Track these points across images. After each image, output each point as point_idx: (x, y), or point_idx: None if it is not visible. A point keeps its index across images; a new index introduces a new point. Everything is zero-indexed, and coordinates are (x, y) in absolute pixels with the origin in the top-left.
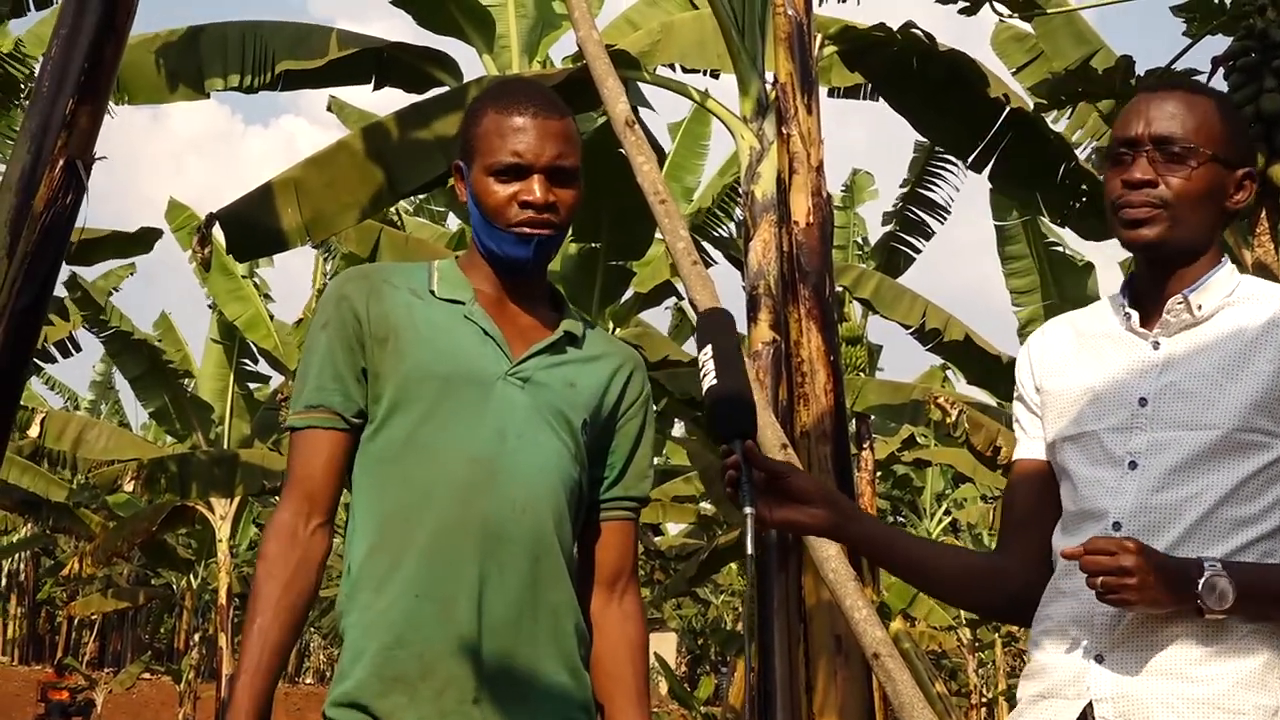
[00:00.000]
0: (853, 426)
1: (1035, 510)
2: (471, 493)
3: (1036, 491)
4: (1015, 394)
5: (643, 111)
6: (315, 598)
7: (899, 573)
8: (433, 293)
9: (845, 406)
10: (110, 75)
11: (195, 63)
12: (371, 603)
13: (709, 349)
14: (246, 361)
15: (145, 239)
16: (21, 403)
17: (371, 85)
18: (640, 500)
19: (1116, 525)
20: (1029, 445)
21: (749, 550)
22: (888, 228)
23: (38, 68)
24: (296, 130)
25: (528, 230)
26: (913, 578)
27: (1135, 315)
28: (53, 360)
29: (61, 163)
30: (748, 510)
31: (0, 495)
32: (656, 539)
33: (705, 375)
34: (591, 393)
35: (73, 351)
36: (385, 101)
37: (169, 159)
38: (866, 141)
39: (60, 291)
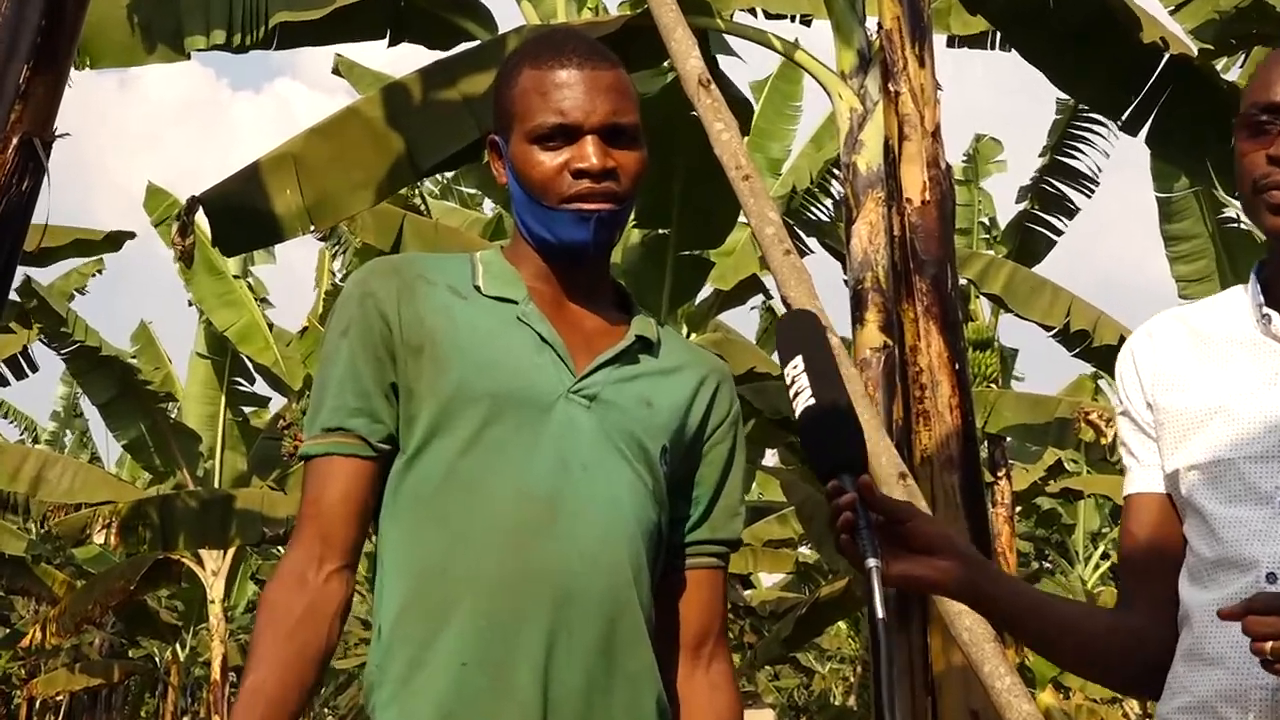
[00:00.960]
0: (985, 450)
1: (1162, 556)
2: (529, 537)
3: (1161, 533)
4: (1119, 410)
5: (721, 65)
6: (328, 654)
7: (1044, 646)
8: (478, 289)
9: (975, 426)
10: (72, 36)
11: (173, 17)
12: (408, 675)
13: (798, 361)
14: (240, 381)
15: (114, 241)
16: None
17: (386, 40)
18: (731, 543)
19: (1271, 576)
20: (1143, 475)
21: (878, 613)
22: (1022, 205)
23: None
24: (293, 96)
25: (585, 205)
26: (1060, 651)
27: (1277, 317)
28: (4, 382)
29: (15, 142)
30: (871, 563)
31: None
32: (746, 593)
33: (798, 395)
34: (671, 413)
35: (28, 371)
36: (403, 61)
37: (141, 134)
38: (992, 100)
39: (12, 297)
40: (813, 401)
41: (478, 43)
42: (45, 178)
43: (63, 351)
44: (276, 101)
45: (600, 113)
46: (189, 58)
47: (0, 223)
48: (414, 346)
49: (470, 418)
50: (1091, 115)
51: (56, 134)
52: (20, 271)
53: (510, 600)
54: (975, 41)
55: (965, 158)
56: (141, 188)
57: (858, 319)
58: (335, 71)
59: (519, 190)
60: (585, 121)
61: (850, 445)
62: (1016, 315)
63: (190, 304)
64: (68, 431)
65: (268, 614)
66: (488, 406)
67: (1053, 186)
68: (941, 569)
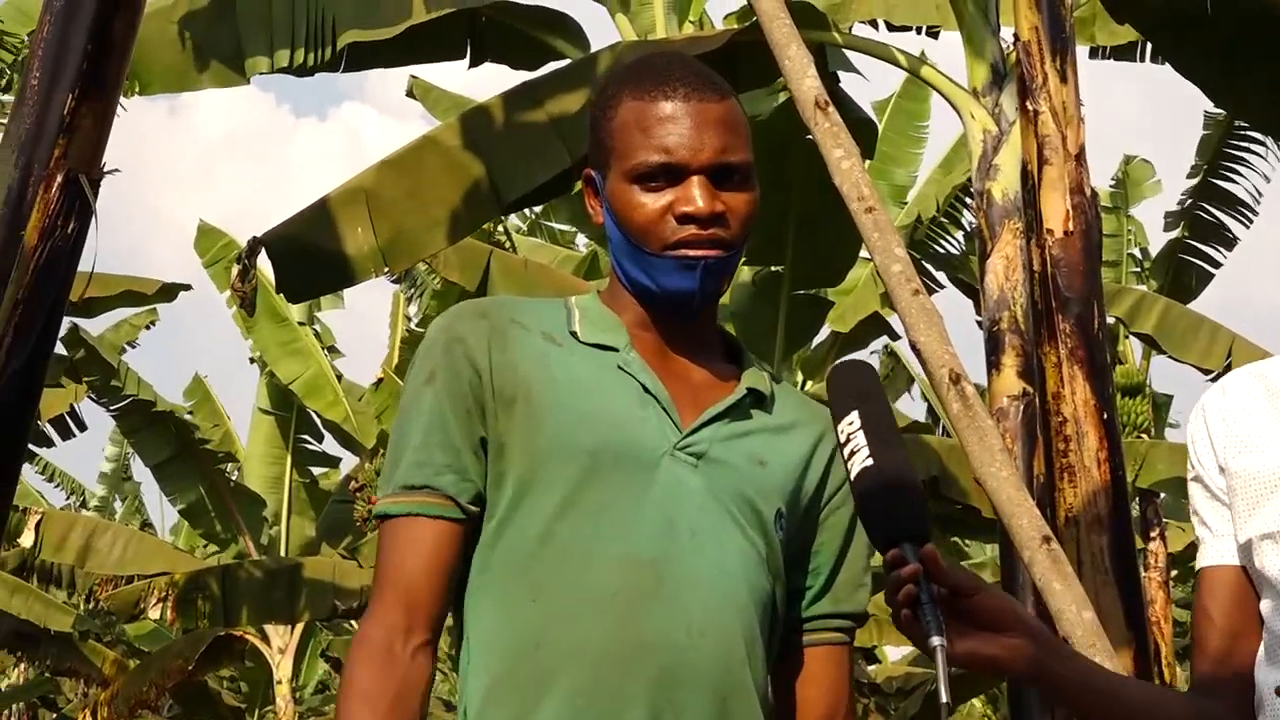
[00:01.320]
0: (1137, 508)
1: (1238, 635)
2: (631, 607)
3: (1237, 610)
4: (1190, 475)
5: (840, 81)
6: None
7: None
8: (574, 335)
9: (1126, 481)
10: (122, 60)
11: (231, 36)
12: None
13: (854, 418)
14: (307, 439)
15: (168, 292)
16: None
17: (466, 61)
18: (855, 617)
19: None
20: (1217, 547)
21: (942, 696)
22: (1173, 234)
23: (26, 53)
24: (363, 123)
25: (690, 253)
26: None
27: None
28: (49, 443)
29: (60, 180)
30: (935, 641)
31: None
32: (870, 668)
33: (853, 455)
34: (787, 473)
35: (75, 431)
36: (484, 83)
37: (193, 166)
38: (1141, 118)
39: (58, 349)
40: (870, 463)
41: (567, 62)
42: (93, 219)
43: (113, 408)
44: (344, 129)
45: (708, 150)
46: (249, 81)
47: (44, 270)
48: (507, 398)
49: (566, 476)
50: (1249, 133)
51: (105, 170)
52: (66, 321)
53: (611, 677)
54: (1123, 53)
55: (1113, 182)
56: (195, 225)
57: (993, 364)
58: (409, 94)
59: (617, 233)
60: (692, 161)
61: (913, 511)
62: (1171, 357)
63: (252, 360)
64: (118, 496)
65: (356, 693)
66: (585, 464)
67: (1207, 213)
68: (1010, 647)
